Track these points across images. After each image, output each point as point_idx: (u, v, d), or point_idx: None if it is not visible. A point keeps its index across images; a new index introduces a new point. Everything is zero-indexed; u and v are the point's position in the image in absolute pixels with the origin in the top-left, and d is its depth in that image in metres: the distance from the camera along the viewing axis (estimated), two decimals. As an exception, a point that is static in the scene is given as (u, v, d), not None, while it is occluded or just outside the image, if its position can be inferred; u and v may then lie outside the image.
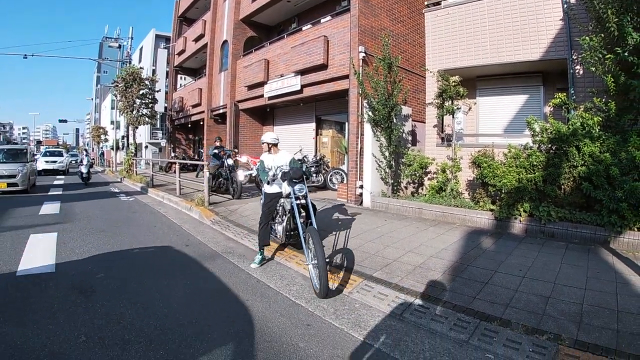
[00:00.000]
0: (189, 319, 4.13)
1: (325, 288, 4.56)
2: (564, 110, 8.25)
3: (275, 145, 6.23)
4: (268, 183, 6.04)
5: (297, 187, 5.45)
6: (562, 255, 5.99)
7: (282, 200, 6.23)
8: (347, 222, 8.54)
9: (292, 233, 6.11)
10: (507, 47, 10.00)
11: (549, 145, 7.57)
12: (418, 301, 4.44)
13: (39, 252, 6.47)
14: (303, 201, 5.57)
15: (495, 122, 11.49)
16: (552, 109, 9.10)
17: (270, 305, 4.59)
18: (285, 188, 5.81)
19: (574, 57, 8.69)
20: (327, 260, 5.18)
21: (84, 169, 18.81)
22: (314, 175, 13.76)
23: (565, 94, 8.23)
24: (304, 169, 5.73)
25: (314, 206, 5.79)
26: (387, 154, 10.31)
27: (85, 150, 21.45)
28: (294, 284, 5.26)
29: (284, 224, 6.14)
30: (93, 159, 36.29)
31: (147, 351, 3.43)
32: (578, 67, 8.72)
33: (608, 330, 3.58)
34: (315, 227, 5.21)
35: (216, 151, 13.31)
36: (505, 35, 10.02)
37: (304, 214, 5.64)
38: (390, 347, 3.61)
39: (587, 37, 7.36)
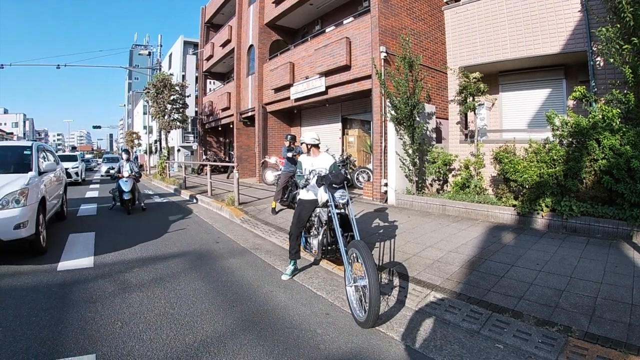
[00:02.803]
0: (216, 307, 4.48)
1: (374, 317, 3.75)
2: (584, 104, 8.21)
3: (316, 146, 5.52)
4: (303, 187, 5.38)
5: (337, 193, 4.69)
6: (581, 249, 6.00)
7: (317, 209, 5.37)
8: (370, 219, 8.71)
9: (329, 248, 5.20)
10: (526, 41, 9.98)
11: (570, 139, 7.56)
12: (433, 293, 4.58)
13: (78, 249, 6.96)
14: (343, 211, 4.97)
15: (519, 117, 11.46)
16: (574, 103, 9.05)
17: (293, 295, 4.87)
18: (322, 195, 5.02)
19: (594, 49, 8.63)
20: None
21: (124, 186, 10.68)
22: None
23: (584, 86, 8.18)
24: (344, 173, 4.94)
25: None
26: (410, 151, 10.39)
27: (126, 151, 12.18)
28: (317, 277, 5.51)
29: (320, 237, 5.18)
30: (141, 165, 28.43)
31: (179, 336, 3.74)
32: (598, 59, 8.64)
33: (620, 324, 3.61)
34: (360, 239, 4.38)
35: (290, 154, 9.71)
36: (525, 29, 10.00)
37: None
38: (402, 336, 3.80)
39: (603, 29, 7.31)
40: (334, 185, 4.71)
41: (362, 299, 3.98)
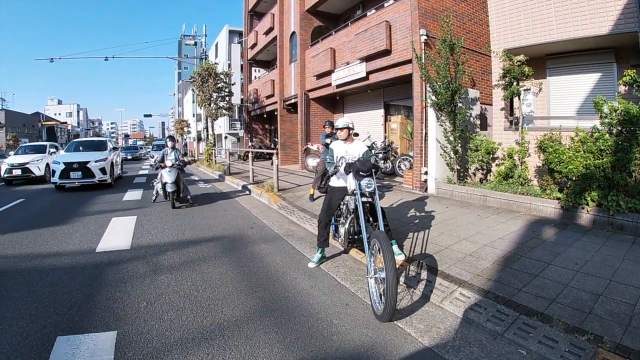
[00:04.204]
0: (239, 291, 4.59)
1: (391, 311, 3.64)
2: (635, 89, 7.64)
3: (349, 130, 5.30)
4: (332, 174, 5.32)
5: (364, 181, 4.59)
6: (626, 250, 5.58)
7: (347, 197, 5.33)
8: (407, 208, 8.53)
9: (355, 237, 5.19)
10: (573, 22, 9.36)
11: (619, 128, 7.03)
12: (460, 289, 4.36)
13: (118, 233, 7.36)
14: (371, 199, 4.88)
15: (567, 103, 10.85)
16: (626, 88, 8.46)
17: (316, 284, 4.87)
18: (351, 182, 4.86)
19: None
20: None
21: (167, 176, 9.68)
22: (382, 161, 13.73)
23: (635, 70, 7.60)
24: (373, 161, 4.86)
25: (382, 208, 4.78)
26: (451, 138, 10.05)
27: (171, 138, 11.03)
28: (344, 266, 5.43)
29: (347, 225, 5.21)
30: (185, 153, 30.87)
31: (198, 318, 3.88)
32: (650, 40, 8.01)
33: None
34: (384, 230, 4.31)
35: (328, 140, 9.04)
36: (571, 9, 9.39)
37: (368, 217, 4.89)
38: (420, 332, 3.65)
39: None
40: (360, 172, 4.58)
41: (382, 292, 3.85)
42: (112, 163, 14.89)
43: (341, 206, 5.48)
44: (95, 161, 13.79)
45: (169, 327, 3.65)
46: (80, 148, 15.99)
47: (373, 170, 4.66)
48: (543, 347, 3.29)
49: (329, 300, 4.35)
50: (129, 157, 38.24)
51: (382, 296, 3.75)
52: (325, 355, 3.29)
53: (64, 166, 13.36)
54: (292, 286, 4.77)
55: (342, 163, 4.92)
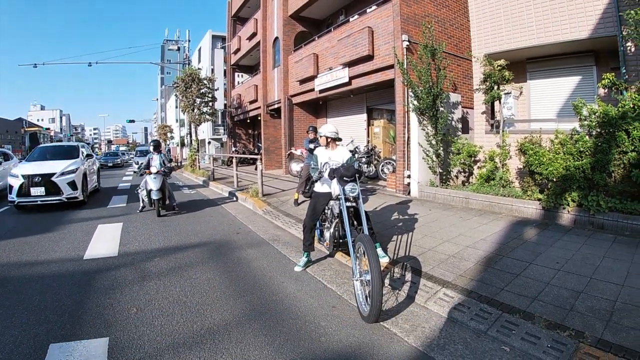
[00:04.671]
0: (227, 296, 4.63)
1: (377, 313, 3.70)
2: (614, 92, 7.81)
3: (334, 140, 5.37)
4: (316, 180, 5.33)
5: (347, 186, 4.65)
6: (607, 248, 5.69)
7: (331, 202, 5.36)
8: (390, 212, 8.58)
9: (340, 241, 5.20)
10: (553, 26, 9.54)
11: (598, 130, 7.18)
12: (444, 290, 4.42)
13: (105, 240, 7.32)
14: (354, 204, 4.92)
15: (548, 107, 11.02)
16: (605, 91, 8.64)
17: (303, 287, 4.91)
18: (335, 188, 4.98)
19: (624, 33, 8.13)
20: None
21: (153, 183, 9.40)
22: (365, 166, 13.80)
23: (613, 74, 7.77)
24: (356, 166, 4.90)
25: (366, 212, 4.83)
26: (433, 142, 10.17)
27: (156, 143, 10.54)
28: (329, 269, 5.47)
29: (332, 230, 5.23)
30: (172, 159, 27.39)
31: (188, 322, 3.91)
32: (629, 44, 8.17)
33: (637, 331, 3.36)
34: (368, 234, 4.39)
35: (312, 146, 9.21)
36: (551, 14, 9.57)
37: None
38: (406, 332, 3.71)
39: (632, 11, 6.91)
40: (344, 178, 4.65)
41: (368, 294, 3.88)
42: (84, 174, 11.87)
43: (326, 211, 5.51)
44: (63, 173, 10.76)
45: (160, 332, 3.68)
46: (47, 156, 12.48)
47: (357, 175, 4.74)
48: (526, 344, 3.35)
49: (316, 303, 4.40)
50: (110, 165, 36.73)
51: (368, 298, 3.79)
52: (314, 356, 3.33)
53: (23, 180, 10.41)
54: (280, 290, 4.80)
55: (326, 169, 4.93)
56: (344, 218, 4.62)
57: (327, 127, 5.39)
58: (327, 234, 5.34)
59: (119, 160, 39.78)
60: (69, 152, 12.79)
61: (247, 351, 3.37)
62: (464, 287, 4.46)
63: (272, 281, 5.10)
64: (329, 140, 5.34)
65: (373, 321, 3.78)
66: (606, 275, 4.64)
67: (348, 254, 5.03)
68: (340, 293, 4.66)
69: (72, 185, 10.94)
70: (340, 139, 5.46)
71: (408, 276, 4.92)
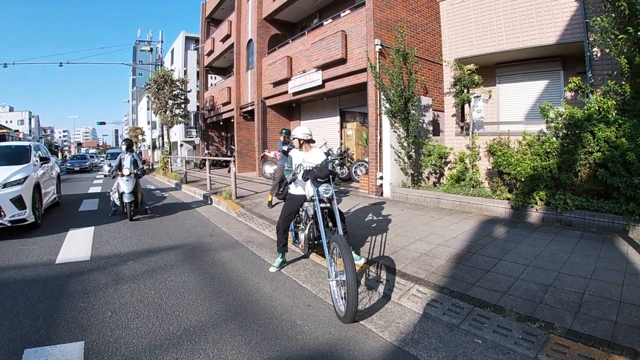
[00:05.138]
0: (202, 298, 4.59)
1: (353, 313, 3.72)
2: (580, 95, 8.07)
3: (308, 142, 5.36)
4: (290, 182, 5.29)
5: (322, 187, 4.63)
6: (574, 244, 5.90)
7: (305, 204, 5.34)
8: (363, 212, 8.66)
9: (315, 242, 5.20)
10: (522, 32, 9.84)
11: (564, 131, 7.44)
12: (417, 287, 4.51)
13: (77, 244, 7.12)
14: (329, 205, 4.91)
15: (516, 110, 11.33)
16: (572, 95, 8.92)
17: (278, 287, 4.93)
18: (309, 189, 4.96)
19: (590, 40, 8.43)
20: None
21: (125, 185, 9.08)
22: (339, 168, 13.90)
23: (580, 77, 8.03)
24: (330, 168, 5.03)
25: (341, 213, 4.90)
26: (405, 144, 10.32)
27: (128, 142, 10.11)
28: (304, 269, 5.50)
29: (306, 231, 5.21)
30: (145, 160, 24.42)
31: (164, 325, 3.88)
32: (595, 49, 8.48)
33: (605, 321, 3.50)
34: (343, 234, 4.38)
35: (285, 147, 9.27)
36: (520, 20, 9.87)
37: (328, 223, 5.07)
38: (381, 328, 3.77)
39: (598, 18, 7.15)
40: (318, 179, 4.64)
41: (343, 294, 3.89)
42: (37, 185, 8.62)
43: (300, 212, 5.53)
44: (5, 185, 7.57)
45: (135, 335, 3.65)
46: None
47: (330, 176, 4.74)
48: (497, 336, 3.46)
49: (292, 302, 4.42)
50: (76, 169, 33.76)
51: (344, 298, 3.83)
52: (291, 354, 3.36)
53: None
54: (255, 290, 4.80)
55: (300, 170, 4.98)
56: (318, 219, 4.61)
57: (301, 129, 5.37)
58: (301, 236, 5.34)
59: (87, 164, 35.85)
60: (16, 155, 9.34)
61: (224, 351, 3.37)
62: (436, 283, 4.57)
63: (247, 282, 5.09)
64: (302, 142, 5.32)
65: (350, 321, 3.80)
66: (574, 270, 4.81)
67: (323, 255, 4.99)
68: (316, 292, 4.70)
69: (18, 202, 7.64)
70: (313, 141, 5.46)
71: (382, 274, 5.00)
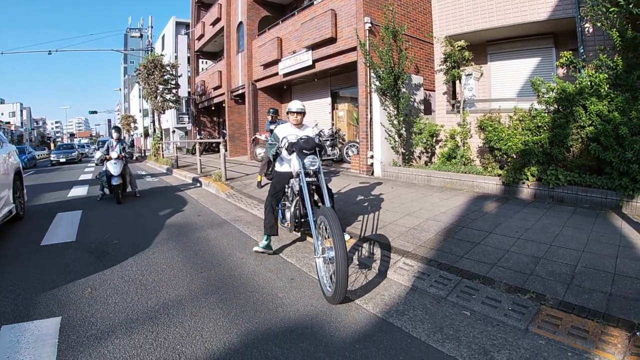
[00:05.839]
0: (184, 273, 4.55)
1: (342, 292, 3.44)
2: (571, 70, 7.93)
3: (301, 114, 4.98)
4: (274, 159, 5.07)
5: (307, 159, 4.33)
6: (566, 219, 5.78)
7: (291, 180, 5.00)
8: (353, 191, 8.59)
9: (302, 220, 4.85)
10: (513, 8, 9.64)
11: (555, 106, 7.31)
12: (404, 259, 4.41)
13: (63, 227, 7.05)
14: (315, 179, 4.52)
15: (508, 87, 11.17)
16: (564, 71, 8.77)
17: (262, 262, 4.85)
18: (294, 163, 4.65)
19: (582, 14, 8.27)
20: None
21: (113, 168, 8.96)
22: (330, 148, 13.77)
23: (571, 52, 7.89)
24: (317, 141, 4.61)
25: (329, 190, 4.61)
26: (395, 122, 10.20)
27: (117, 129, 10.01)
28: (290, 244, 5.44)
29: (292, 208, 4.86)
30: (133, 146, 26.95)
31: (142, 299, 3.84)
32: (587, 24, 8.29)
33: (599, 293, 3.39)
34: (330, 206, 4.12)
35: (272, 127, 9.01)
36: (512, -5, 9.67)
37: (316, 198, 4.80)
38: (364, 300, 3.68)
39: None
40: (304, 150, 4.37)
41: (332, 273, 3.61)
42: None
43: (286, 190, 5.20)
44: None
45: (113, 309, 3.62)
46: None
47: (317, 149, 4.47)
48: (486, 308, 3.35)
49: (275, 276, 4.35)
50: (62, 160, 28.67)
51: (333, 277, 3.56)
52: (270, 326, 3.28)
53: None
54: (238, 265, 4.74)
55: (284, 144, 4.65)
56: (304, 195, 4.27)
57: (295, 103, 5.00)
58: (287, 214, 5.06)
59: (74, 154, 30.37)
60: None
61: (201, 323, 3.31)
62: (423, 256, 4.46)
63: (231, 258, 5.03)
64: (295, 115, 4.92)
65: (338, 302, 3.53)
66: (566, 243, 4.70)
67: (310, 234, 4.85)
68: (300, 266, 4.62)
69: None
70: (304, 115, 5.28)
71: (368, 248, 4.91)
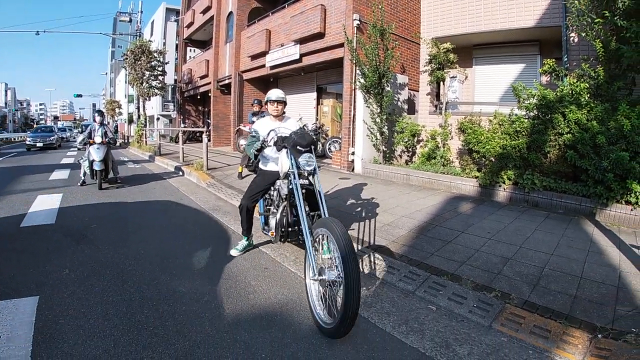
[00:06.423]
0: (160, 258, 4.59)
1: (350, 322, 2.78)
2: (554, 77, 8.05)
3: (282, 104, 4.44)
4: (256, 157, 4.30)
5: (302, 158, 3.56)
6: (539, 222, 5.89)
7: (278, 182, 4.29)
8: (330, 185, 8.64)
9: (290, 230, 4.08)
10: (501, 13, 9.77)
11: (535, 112, 7.42)
12: (375, 254, 4.45)
13: (44, 209, 7.04)
14: (308, 182, 3.81)
15: (492, 91, 11.30)
16: (547, 79, 8.90)
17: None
18: (284, 162, 3.86)
19: (568, 23, 8.39)
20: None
21: (95, 153, 8.87)
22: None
23: (554, 60, 8.02)
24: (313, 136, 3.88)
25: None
26: (378, 120, 10.27)
27: (100, 113, 9.90)
28: (267, 236, 5.39)
29: (278, 215, 4.10)
30: (117, 131, 27.21)
31: (116, 281, 3.91)
32: (573, 34, 8.43)
33: (564, 295, 3.47)
34: (328, 216, 3.44)
35: (255, 118, 8.76)
36: (500, 2, 9.79)
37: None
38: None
39: (575, 1, 7.11)
40: (299, 147, 3.60)
41: (329, 298, 3.07)
42: None
43: (271, 192, 4.53)
44: None
45: (90, 290, 3.66)
46: None
47: (312, 146, 3.73)
48: (452, 303, 3.43)
49: (249, 265, 4.39)
50: (39, 145, 24.84)
51: (331, 303, 3.03)
52: (240, 312, 3.33)
53: None
54: (214, 254, 4.79)
55: (272, 138, 3.96)
56: (297, 200, 3.53)
57: (274, 91, 4.44)
58: (272, 222, 4.31)
59: (53, 138, 26.18)
60: None
61: (174, 307, 3.36)
62: (395, 251, 4.52)
63: (207, 246, 5.07)
64: (275, 104, 4.39)
65: (343, 335, 2.89)
66: (536, 245, 4.80)
67: (299, 245, 4.57)
68: (274, 256, 4.65)
69: None
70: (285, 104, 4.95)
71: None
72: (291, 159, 3.67)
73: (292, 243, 4.63)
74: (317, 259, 3.26)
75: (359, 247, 4.67)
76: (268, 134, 4.03)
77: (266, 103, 4.46)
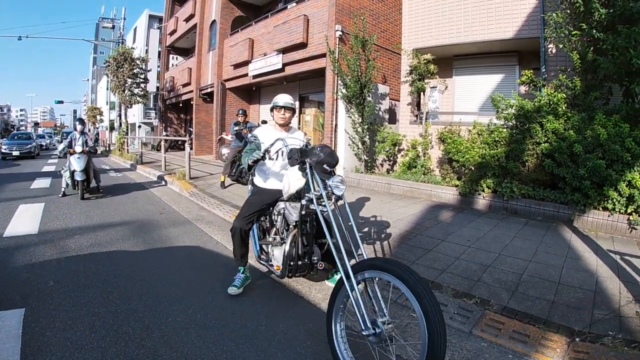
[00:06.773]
0: (144, 269, 4.57)
1: None
2: (531, 88, 8.22)
3: (290, 111, 3.81)
4: (250, 169, 3.57)
5: (334, 180, 2.87)
6: (518, 230, 6.01)
7: (281, 205, 3.75)
8: (312, 195, 8.57)
9: (300, 263, 3.54)
10: (480, 25, 9.96)
11: (513, 122, 7.58)
12: (353, 263, 4.45)
13: (25, 219, 6.94)
14: (325, 208, 2.96)
15: (471, 101, 11.50)
16: (526, 90, 9.08)
17: (219, 259, 5.01)
18: (293, 181, 3.40)
19: (546, 35, 8.59)
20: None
21: (76, 163, 8.59)
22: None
23: (532, 71, 8.19)
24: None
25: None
26: (360, 130, 10.37)
27: (81, 121, 9.53)
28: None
29: (287, 246, 3.49)
30: (97, 139, 26.98)
31: (103, 293, 3.87)
32: (551, 45, 8.64)
33: (542, 301, 3.56)
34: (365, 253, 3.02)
35: (237, 129, 8.97)
36: (480, 14, 9.97)
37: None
38: (319, 300, 3.79)
39: (553, 14, 7.29)
40: (325, 165, 2.94)
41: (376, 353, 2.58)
42: None
43: (273, 217, 3.93)
44: None
45: (75, 302, 3.63)
46: None
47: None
48: (433, 311, 3.46)
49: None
50: (15, 154, 22.48)
51: None
52: (227, 322, 3.35)
53: None
54: (199, 264, 4.84)
55: (283, 148, 3.41)
56: (330, 228, 3.05)
57: (283, 96, 3.82)
58: (276, 251, 3.77)
59: (31, 146, 23.78)
60: None
61: (159, 318, 3.37)
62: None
63: (191, 256, 5.13)
64: (282, 111, 3.76)
65: None
66: (515, 252, 4.90)
67: (308, 277, 4.02)
68: (264, 270, 4.59)
69: None
70: (265, 121, 4.54)
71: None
72: (313, 180, 3.00)
73: (302, 276, 3.91)
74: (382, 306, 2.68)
75: (340, 256, 4.68)
76: (273, 143, 3.41)
77: (271, 109, 3.86)
